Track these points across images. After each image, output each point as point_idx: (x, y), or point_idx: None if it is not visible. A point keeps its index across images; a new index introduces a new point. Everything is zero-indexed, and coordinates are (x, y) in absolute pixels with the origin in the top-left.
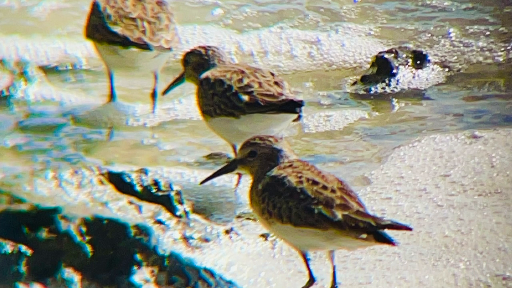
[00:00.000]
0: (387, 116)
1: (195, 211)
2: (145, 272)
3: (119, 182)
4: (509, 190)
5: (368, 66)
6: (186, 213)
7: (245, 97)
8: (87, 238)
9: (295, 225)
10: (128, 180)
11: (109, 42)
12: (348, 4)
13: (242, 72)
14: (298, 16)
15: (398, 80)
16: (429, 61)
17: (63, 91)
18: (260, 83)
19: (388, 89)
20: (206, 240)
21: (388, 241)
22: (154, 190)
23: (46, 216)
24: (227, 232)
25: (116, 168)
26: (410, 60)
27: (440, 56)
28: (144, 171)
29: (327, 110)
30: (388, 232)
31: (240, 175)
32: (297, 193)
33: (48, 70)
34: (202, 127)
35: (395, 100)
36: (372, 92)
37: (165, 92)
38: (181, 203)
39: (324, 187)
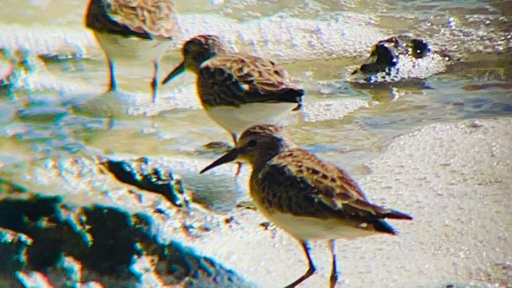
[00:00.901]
0: (387, 105)
1: (195, 200)
2: (145, 261)
3: (119, 171)
4: (509, 179)
5: (368, 55)
6: (186, 202)
7: (245, 86)
8: (87, 227)
9: (295, 214)
10: (128, 169)
11: (109, 31)
12: None
13: (242, 61)
14: (298, 5)
15: (398, 69)
16: (429, 50)
17: (63, 80)
18: (260, 72)
19: (388, 78)
20: (206, 229)
21: (388, 230)
22: (154, 179)
23: (46, 205)
24: (227, 221)
25: (116, 157)
26: (410, 49)
27: (440, 45)
28: (144, 160)
29: (327, 99)
30: (388, 221)
31: (240, 164)
32: (297, 182)
33: (48, 59)
34: (202, 116)
35: (395, 89)
36: (372, 81)
37: (165, 81)
38: (181, 192)
39: (324, 176)
